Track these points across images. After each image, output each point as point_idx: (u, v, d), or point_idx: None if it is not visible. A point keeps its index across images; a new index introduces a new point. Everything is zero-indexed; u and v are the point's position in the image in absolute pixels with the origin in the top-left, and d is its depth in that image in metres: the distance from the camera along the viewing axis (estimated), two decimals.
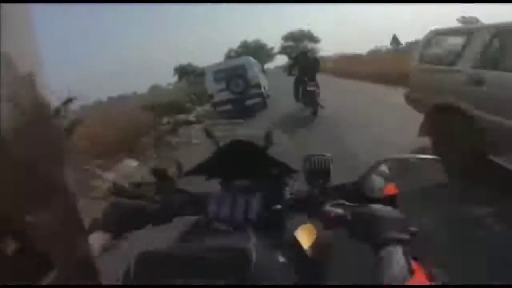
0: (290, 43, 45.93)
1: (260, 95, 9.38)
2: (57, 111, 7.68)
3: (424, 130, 3.22)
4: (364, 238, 0.56)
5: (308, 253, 0.67)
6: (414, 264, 0.48)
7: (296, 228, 0.74)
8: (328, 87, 9.04)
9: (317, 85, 6.93)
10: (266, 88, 10.20)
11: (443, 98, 3.03)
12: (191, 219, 0.69)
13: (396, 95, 5.04)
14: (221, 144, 0.79)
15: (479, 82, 2.64)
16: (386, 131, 4.30)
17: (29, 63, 0.28)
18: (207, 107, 10.19)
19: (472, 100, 2.67)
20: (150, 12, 68.85)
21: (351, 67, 16.05)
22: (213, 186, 0.81)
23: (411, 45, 12.15)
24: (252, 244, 0.52)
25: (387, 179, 0.67)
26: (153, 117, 8.44)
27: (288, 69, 8.48)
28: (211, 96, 9.34)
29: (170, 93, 15.09)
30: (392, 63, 10.76)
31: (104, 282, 0.42)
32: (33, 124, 0.28)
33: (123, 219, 0.67)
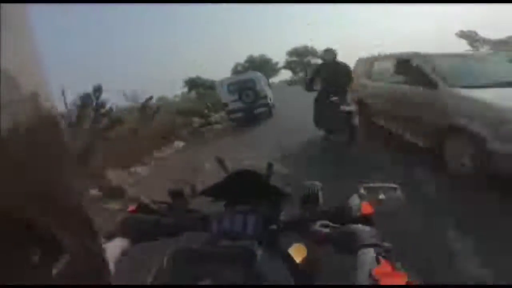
0: (294, 58, 47.63)
1: (267, 105, 10.86)
2: (143, 108, 9.40)
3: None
4: (347, 252, 0.64)
5: (300, 267, 0.81)
6: (381, 259, 0.56)
7: (290, 246, 0.90)
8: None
9: (351, 103, 5.08)
10: (272, 100, 11.74)
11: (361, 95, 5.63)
12: (200, 234, 0.76)
13: None
14: (231, 171, 0.89)
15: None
16: None
17: (32, 76, 0.28)
18: (222, 113, 11.77)
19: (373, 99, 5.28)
20: (158, 25, 71.26)
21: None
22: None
23: None
24: (256, 246, 0.63)
25: (363, 199, 0.76)
26: (185, 118, 11.00)
27: (307, 83, 5.57)
28: (225, 105, 10.87)
29: (178, 104, 16.79)
30: None
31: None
32: (34, 133, 0.27)
33: (140, 230, 0.76)
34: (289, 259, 0.75)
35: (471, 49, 27.05)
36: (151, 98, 8.42)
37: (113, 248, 0.67)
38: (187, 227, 0.78)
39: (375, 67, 5.46)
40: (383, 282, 0.51)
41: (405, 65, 4.26)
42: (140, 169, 5.50)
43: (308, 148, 5.37)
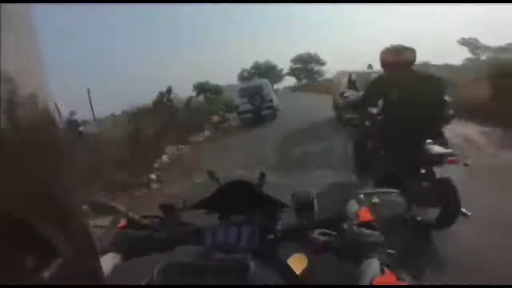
0: (298, 65, 49.25)
1: (272, 108, 13.09)
2: (161, 97, 11.58)
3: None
4: (350, 261, 0.64)
5: (300, 277, 0.78)
6: (386, 269, 0.57)
7: (289, 257, 0.88)
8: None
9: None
10: (276, 103, 14.02)
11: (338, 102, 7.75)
12: (194, 248, 0.74)
13: None
14: (222, 183, 0.88)
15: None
16: None
17: (32, 76, 0.28)
18: (234, 114, 14.10)
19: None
20: (165, 32, 73.41)
21: None
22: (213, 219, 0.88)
23: None
24: (250, 259, 0.61)
25: (362, 204, 0.74)
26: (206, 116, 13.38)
27: (360, 108, 3.17)
28: (237, 107, 13.18)
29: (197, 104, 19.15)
30: None
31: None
32: (33, 134, 0.27)
33: (131, 246, 0.74)
34: (287, 270, 0.74)
35: (473, 56, 27.73)
36: (170, 90, 11.30)
37: (105, 263, 0.66)
38: (180, 241, 0.77)
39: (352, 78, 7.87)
40: None
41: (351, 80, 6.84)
42: (184, 147, 8.00)
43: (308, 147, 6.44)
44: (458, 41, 29.82)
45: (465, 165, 2.46)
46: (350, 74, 6.89)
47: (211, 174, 0.92)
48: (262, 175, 0.88)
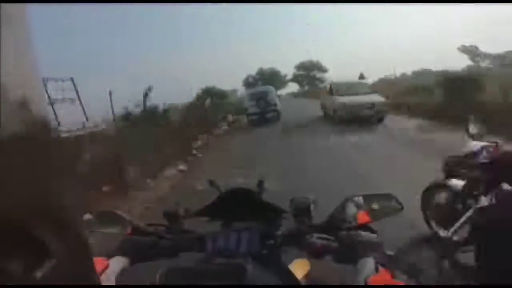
0: (301, 72, 51.48)
1: (276, 111, 15.64)
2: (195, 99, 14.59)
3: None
4: (348, 261, 0.66)
5: (301, 282, 0.80)
6: (381, 268, 0.59)
7: (291, 262, 0.90)
8: None
9: None
10: (279, 107, 16.63)
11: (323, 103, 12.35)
12: (197, 254, 0.77)
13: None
14: (223, 191, 0.90)
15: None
16: None
17: (25, 81, 0.27)
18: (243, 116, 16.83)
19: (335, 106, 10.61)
20: (172, 37, 75.86)
21: None
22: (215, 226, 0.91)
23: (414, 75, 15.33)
24: (248, 263, 0.63)
25: (360, 207, 0.75)
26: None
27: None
28: (246, 109, 15.82)
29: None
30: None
31: None
32: (25, 139, 0.27)
33: (138, 252, 0.77)
34: (288, 275, 0.74)
35: (472, 63, 27.96)
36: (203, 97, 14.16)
37: (113, 267, 0.69)
38: (183, 248, 0.79)
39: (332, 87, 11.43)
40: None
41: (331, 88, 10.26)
42: (206, 136, 10.74)
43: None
44: (458, 48, 30.64)
45: None
46: (330, 84, 10.62)
47: (211, 183, 0.96)
48: (261, 183, 0.92)
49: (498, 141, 1.97)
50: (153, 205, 4.38)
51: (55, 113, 9.69)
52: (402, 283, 0.58)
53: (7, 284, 0.25)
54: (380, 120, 9.99)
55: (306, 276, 0.91)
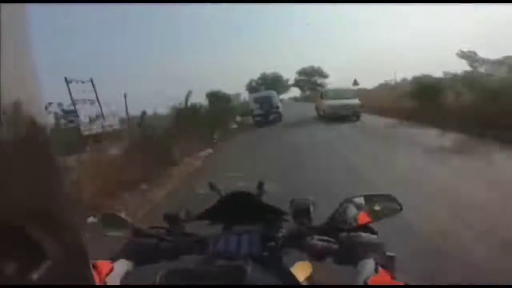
0: (302, 77, 53.26)
1: (278, 113, 17.77)
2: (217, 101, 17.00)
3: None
4: (348, 263, 0.65)
5: (302, 285, 0.80)
6: (380, 269, 0.59)
7: (293, 264, 0.90)
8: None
9: None
10: (281, 110, 18.72)
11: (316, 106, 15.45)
12: (198, 256, 0.78)
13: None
14: (223, 194, 0.91)
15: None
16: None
17: (23, 83, 0.28)
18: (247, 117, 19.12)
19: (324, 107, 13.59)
20: (176, 41, 77.11)
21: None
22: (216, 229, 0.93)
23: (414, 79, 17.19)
24: (248, 264, 0.62)
25: (360, 208, 0.74)
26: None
27: None
28: (252, 111, 18.01)
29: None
30: (379, 97, 17.73)
31: None
32: (21, 141, 0.27)
33: (142, 253, 0.78)
34: (289, 277, 0.74)
35: (471, 69, 27.61)
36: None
37: (117, 269, 0.70)
38: (185, 250, 0.80)
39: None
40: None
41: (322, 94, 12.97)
42: (222, 131, 13.16)
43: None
44: (457, 54, 29.80)
45: None
46: (322, 91, 13.19)
47: (212, 186, 0.96)
48: (261, 185, 0.92)
49: None
50: (194, 173, 6.76)
51: (77, 113, 10.73)
52: (402, 284, 0.58)
53: (6, 284, 0.25)
54: (357, 118, 13.34)
55: (308, 278, 0.95)
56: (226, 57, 76.63)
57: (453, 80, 12.53)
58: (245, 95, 30.96)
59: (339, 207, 0.76)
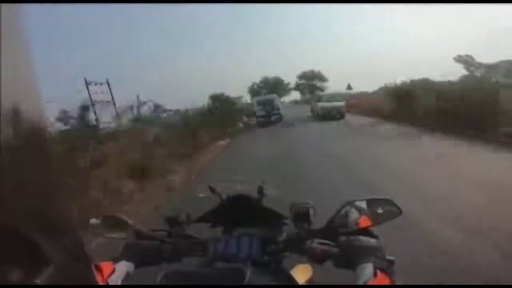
0: (303, 81, 54.19)
1: (279, 114, 19.84)
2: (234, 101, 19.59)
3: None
4: (348, 267, 0.65)
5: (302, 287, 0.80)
6: (379, 273, 0.59)
7: (293, 267, 0.92)
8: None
9: None
10: (282, 111, 20.74)
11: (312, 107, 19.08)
12: (198, 258, 0.80)
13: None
14: (224, 197, 0.92)
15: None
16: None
17: (22, 85, 0.27)
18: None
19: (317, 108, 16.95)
20: (180, 46, 77.92)
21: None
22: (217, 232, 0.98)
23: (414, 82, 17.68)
24: (247, 267, 0.63)
25: (361, 212, 0.74)
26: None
27: None
28: (255, 112, 20.27)
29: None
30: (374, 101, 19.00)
31: None
32: (21, 144, 0.27)
33: (143, 256, 0.78)
34: (289, 280, 0.74)
35: (467, 73, 28.43)
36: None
37: (119, 271, 0.71)
38: (186, 252, 0.80)
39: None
40: None
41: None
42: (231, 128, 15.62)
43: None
44: (454, 58, 31.22)
45: None
46: (319, 95, 15.77)
47: (212, 190, 0.95)
48: (261, 188, 0.91)
49: None
50: (224, 151, 9.82)
51: (95, 113, 12.72)
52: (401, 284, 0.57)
53: (10, 285, 0.25)
54: (341, 116, 16.43)
55: (309, 281, 0.96)
56: (230, 60, 78.74)
57: (414, 85, 14.39)
58: (247, 98, 33.20)
59: (340, 209, 0.76)
